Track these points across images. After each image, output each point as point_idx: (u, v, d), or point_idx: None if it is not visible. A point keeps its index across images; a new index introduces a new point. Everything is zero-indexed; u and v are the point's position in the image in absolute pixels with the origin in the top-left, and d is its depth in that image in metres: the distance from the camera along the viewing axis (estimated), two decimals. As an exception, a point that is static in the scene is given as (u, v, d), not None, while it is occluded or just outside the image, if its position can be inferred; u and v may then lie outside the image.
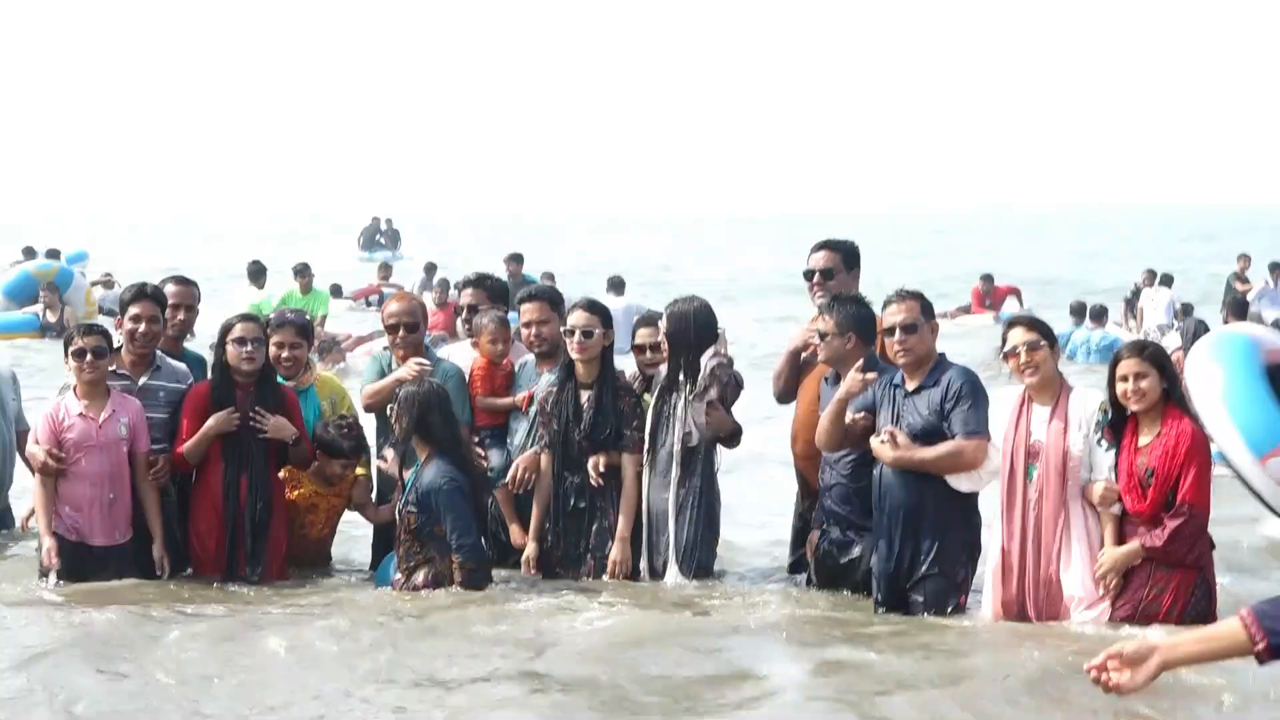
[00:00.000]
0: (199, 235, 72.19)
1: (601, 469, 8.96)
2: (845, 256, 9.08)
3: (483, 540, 8.83)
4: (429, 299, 31.86)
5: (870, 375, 8.25)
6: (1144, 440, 7.86)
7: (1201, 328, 19.87)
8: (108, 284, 30.75)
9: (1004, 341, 8.16)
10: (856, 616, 8.38)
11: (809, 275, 9.07)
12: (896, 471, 8.17)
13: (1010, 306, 31.42)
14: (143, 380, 9.23)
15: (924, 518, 8.19)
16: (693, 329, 8.92)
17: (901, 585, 8.28)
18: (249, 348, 9.04)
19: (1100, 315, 24.72)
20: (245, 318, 9.28)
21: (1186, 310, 27.48)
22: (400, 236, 55.37)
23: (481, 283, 10.21)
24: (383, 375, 9.48)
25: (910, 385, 8.30)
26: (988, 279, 32.40)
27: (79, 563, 8.94)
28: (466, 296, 10.05)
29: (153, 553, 9.02)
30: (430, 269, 32.84)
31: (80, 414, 8.98)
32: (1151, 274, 30.07)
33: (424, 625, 8.26)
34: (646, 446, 8.91)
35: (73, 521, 8.96)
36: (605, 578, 8.92)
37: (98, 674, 7.64)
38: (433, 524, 8.64)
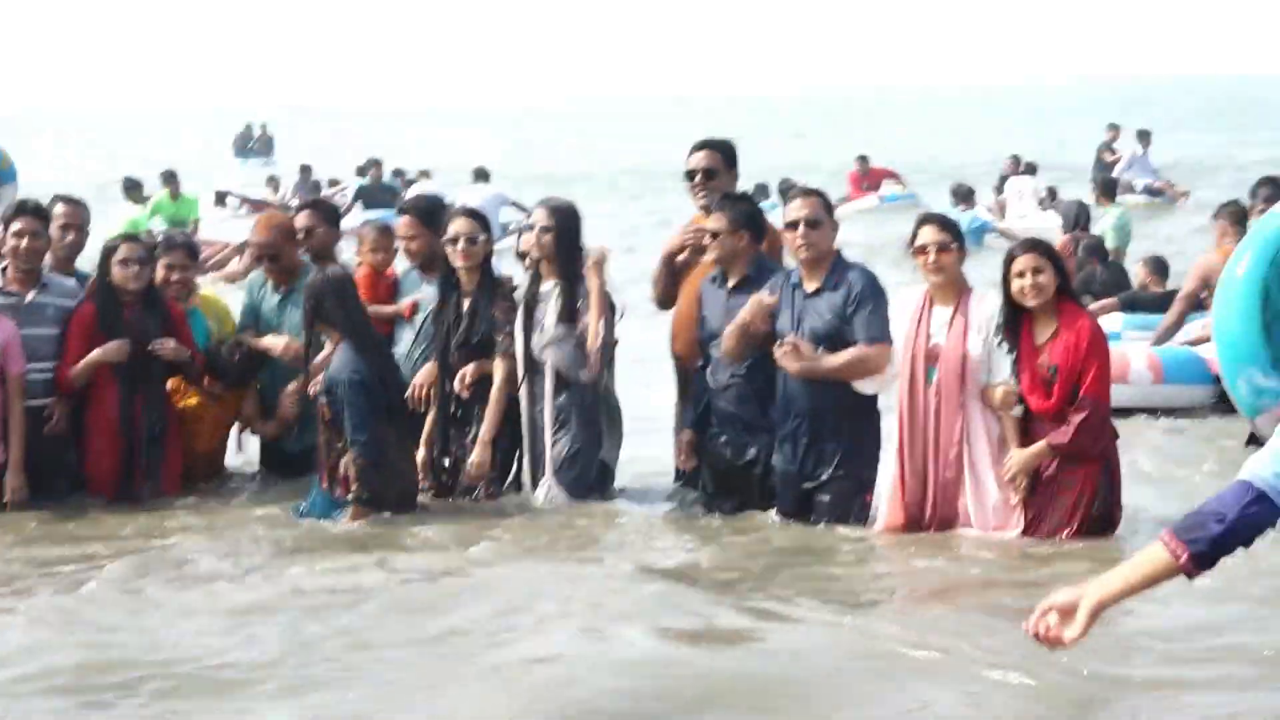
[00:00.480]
0: (48, 140, 70.03)
1: (469, 378, 8.83)
2: (725, 156, 9.01)
3: (385, 437, 8.62)
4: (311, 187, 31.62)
5: (772, 299, 8.18)
6: (1041, 339, 7.84)
7: (1081, 208, 19.93)
8: None
9: (913, 237, 8.09)
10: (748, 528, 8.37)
11: (690, 175, 8.97)
12: (798, 379, 8.12)
13: (888, 188, 31.52)
14: (30, 297, 9.04)
15: (828, 420, 8.15)
16: (574, 231, 8.78)
17: (804, 487, 8.24)
18: (135, 268, 8.96)
19: (968, 196, 24.72)
20: (128, 238, 9.24)
21: (1052, 194, 27.68)
22: (274, 143, 54.90)
23: (317, 205, 10.29)
24: (253, 302, 9.56)
25: (810, 286, 8.21)
26: (863, 160, 32.46)
27: None
28: (303, 219, 9.88)
29: (8, 479, 8.81)
30: (305, 171, 32.52)
31: None
32: (1015, 161, 30.22)
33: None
34: (522, 353, 8.75)
35: None
36: (464, 481, 8.84)
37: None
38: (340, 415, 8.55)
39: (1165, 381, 11.97)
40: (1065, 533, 7.84)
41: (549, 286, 8.74)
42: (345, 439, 8.50)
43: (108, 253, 9.04)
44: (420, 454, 8.94)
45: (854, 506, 8.20)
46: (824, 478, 8.19)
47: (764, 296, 8.21)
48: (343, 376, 8.47)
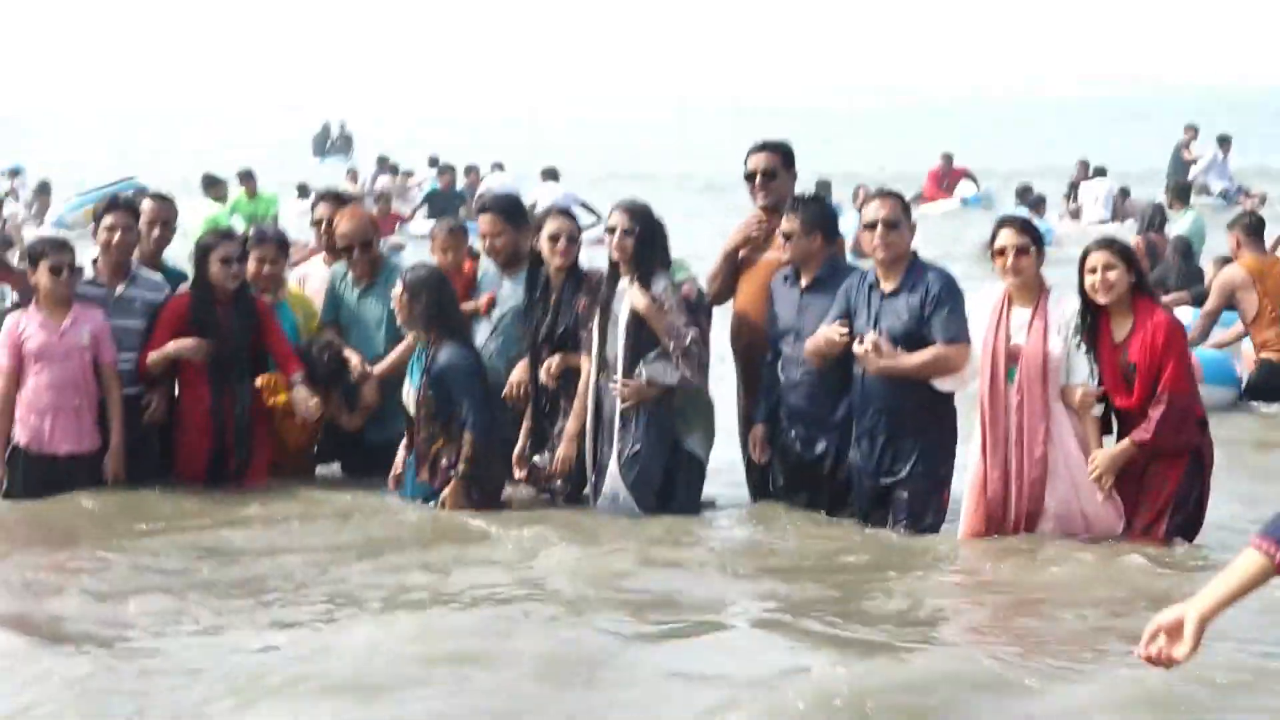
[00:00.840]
0: (144, 140, 70.98)
1: (554, 369, 8.88)
2: (784, 157, 9.12)
3: (495, 425, 8.82)
4: (387, 180, 31.85)
5: (842, 338, 8.21)
6: (1120, 336, 7.88)
7: (1156, 210, 19.87)
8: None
9: (992, 239, 8.13)
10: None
11: (750, 177, 9.06)
12: (877, 377, 8.16)
13: (965, 189, 31.41)
14: (119, 290, 9.24)
15: (906, 418, 8.19)
16: (652, 234, 8.75)
17: (881, 483, 8.29)
18: (234, 267, 9.12)
19: (1038, 204, 24.63)
20: (226, 235, 9.37)
21: (1125, 194, 27.52)
22: (353, 141, 54.79)
23: (338, 196, 10.42)
24: (336, 293, 9.65)
25: (887, 287, 8.26)
26: (948, 159, 32.25)
27: (43, 473, 9.02)
28: (321, 209, 10.05)
29: (106, 461, 9.07)
30: (382, 161, 32.73)
31: (40, 324, 9.00)
32: (1085, 165, 30.02)
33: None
34: (595, 353, 8.78)
35: (36, 430, 9.01)
36: (550, 474, 8.92)
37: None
38: (450, 406, 8.70)
39: (1202, 382, 12.18)
40: (1160, 529, 7.90)
41: (624, 287, 8.73)
42: (446, 431, 8.70)
43: (205, 250, 9.17)
44: (517, 449, 9.05)
45: (932, 504, 8.24)
46: (902, 474, 8.23)
47: (834, 333, 8.24)
48: (457, 364, 8.68)
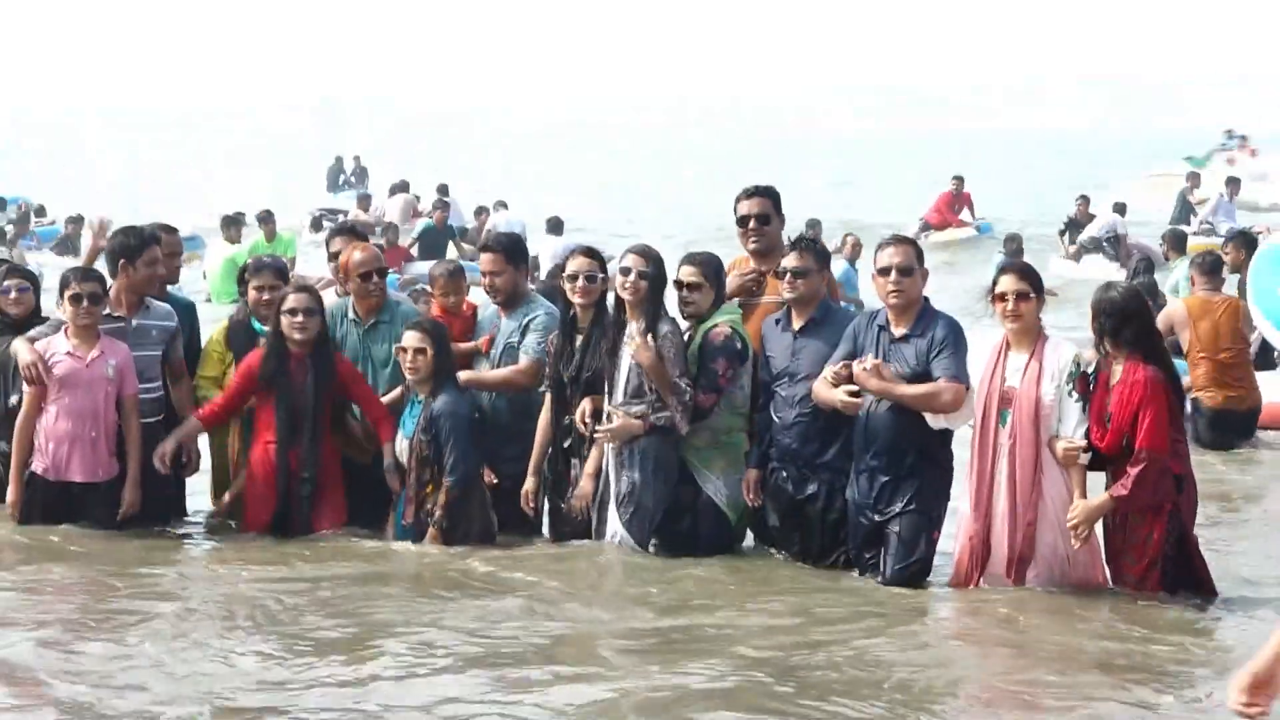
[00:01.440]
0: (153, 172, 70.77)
1: (587, 415, 8.94)
2: (774, 202, 9.25)
3: (478, 476, 8.96)
4: (396, 206, 31.94)
5: (872, 365, 8.27)
6: (1113, 382, 8.03)
7: (1141, 262, 19.94)
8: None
9: (993, 285, 8.27)
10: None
11: (743, 221, 9.18)
12: (881, 412, 8.28)
13: (967, 216, 31.39)
14: (136, 321, 9.40)
15: (906, 458, 8.31)
16: (662, 280, 8.91)
17: (875, 519, 8.38)
18: (300, 318, 9.13)
19: (1018, 253, 24.44)
20: (300, 288, 9.35)
21: (1115, 240, 27.26)
22: (368, 173, 54.80)
23: (352, 230, 10.51)
24: (334, 327, 9.58)
25: (898, 331, 8.40)
26: (959, 181, 32.07)
27: (56, 501, 9.17)
28: (337, 244, 10.10)
29: (125, 492, 9.19)
30: (394, 188, 32.75)
31: (69, 352, 9.16)
32: (1086, 201, 29.90)
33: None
34: (607, 389, 8.88)
35: (53, 458, 9.14)
36: (568, 511, 8.99)
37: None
38: (441, 450, 8.83)
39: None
40: (1154, 579, 8.04)
41: (632, 330, 8.81)
42: (436, 478, 8.84)
43: (279, 301, 9.22)
44: (529, 483, 9.15)
45: (922, 539, 8.34)
46: (895, 510, 8.33)
47: (877, 362, 8.30)
48: (452, 411, 8.81)
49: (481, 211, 31.90)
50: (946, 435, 8.36)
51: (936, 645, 7.68)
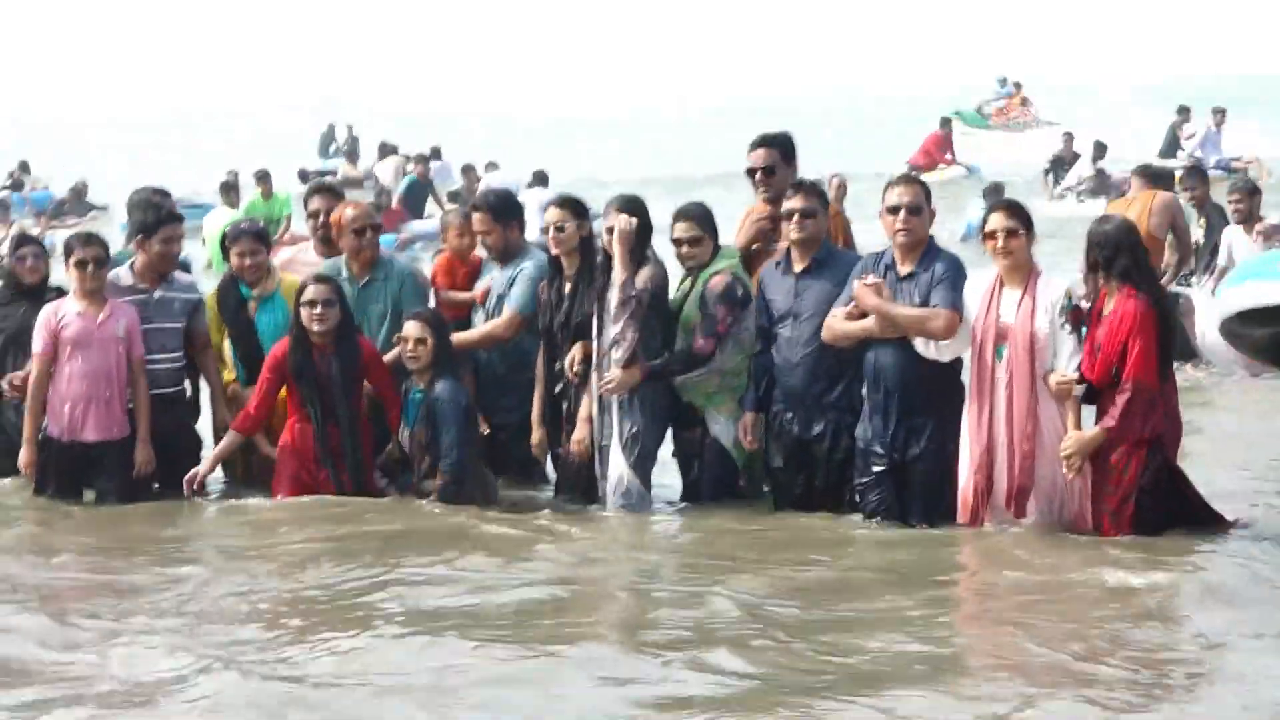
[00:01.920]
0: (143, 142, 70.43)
1: (575, 364, 9.08)
2: (783, 151, 9.32)
3: (469, 462, 9.08)
4: (388, 169, 31.93)
5: (872, 282, 8.41)
6: (1105, 312, 8.12)
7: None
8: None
9: (983, 223, 8.39)
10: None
11: (751, 172, 9.26)
12: (889, 351, 8.40)
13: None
14: (158, 293, 9.52)
15: (917, 394, 8.42)
16: (644, 226, 9.04)
17: (894, 460, 8.50)
18: (319, 309, 9.15)
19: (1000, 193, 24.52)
20: (319, 279, 9.28)
21: (1102, 176, 27.14)
22: (359, 143, 54.34)
23: (331, 189, 10.53)
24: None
25: (904, 269, 8.51)
26: (948, 122, 32.01)
27: (71, 463, 9.36)
28: (315, 202, 10.18)
29: (136, 453, 9.34)
30: (383, 148, 32.72)
31: (79, 313, 9.28)
32: (1070, 138, 29.84)
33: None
34: (595, 334, 9.01)
35: (68, 419, 9.27)
36: (566, 456, 9.16)
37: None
38: (440, 438, 9.00)
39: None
40: (1127, 512, 8.10)
41: (616, 277, 8.92)
42: (436, 463, 9.03)
43: (299, 291, 9.25)
44: (536, 433, 9.35)
45: (945, 487, 8.45)
46: (916, 452, 8.47)
47: (876, 281, 8.44)
48: (451, 398, 8.99)
49: (469, 170, 31.90)
50: (955, 370, 8.47)
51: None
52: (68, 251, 9.39)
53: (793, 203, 8.77)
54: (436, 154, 32.39)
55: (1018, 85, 44.39)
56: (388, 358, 9.39)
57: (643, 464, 9.00)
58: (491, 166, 32.04)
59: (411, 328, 9.08)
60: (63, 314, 9.29)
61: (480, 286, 9.66)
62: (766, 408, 8.87)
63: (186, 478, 9.26)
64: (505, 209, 9.72)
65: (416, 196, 27.69)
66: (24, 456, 9.35)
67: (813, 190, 8.85)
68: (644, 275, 8.87)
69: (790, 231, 8.77)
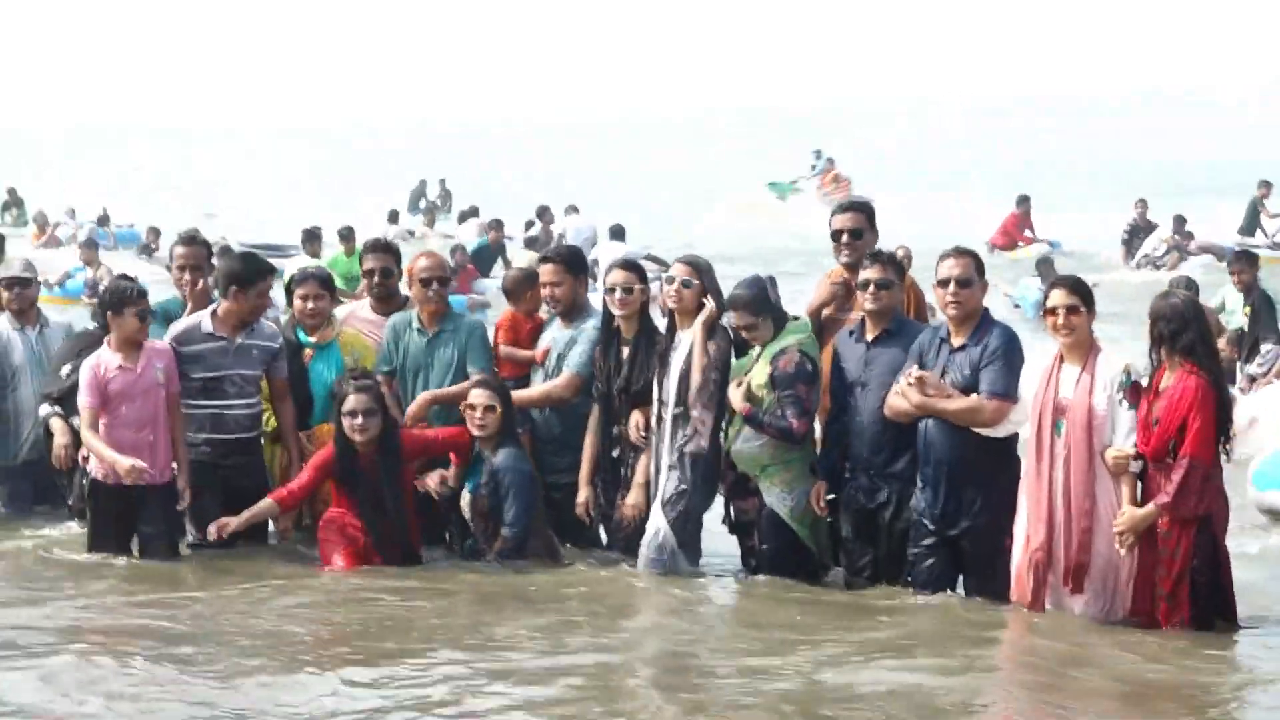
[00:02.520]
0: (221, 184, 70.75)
1: (640, 428, 9.15)
2: (868, 217, 9.41)
3: (531, 530, 9.19)
4: (471, 231, 32.11)
5: (916, 378, 8.45)
6: (1163, 386, 8.11)
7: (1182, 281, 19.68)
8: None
9: (1045, 298, 8.44)
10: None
11: (837, 236, 9.32)
12: (939, 424, 8.44)
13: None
14: (239, 340, 9.59)
15: (967, 467, 8.45)
16: (710, 287, 9.12)
17: (947, 534, 8.53)
18: (359, 419, 9.22)
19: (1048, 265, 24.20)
20: (359, 388, 9.30)
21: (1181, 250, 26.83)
22: (452, 196, 52.71)
23: (388, 247, 10.55)
24: (399, 341, 9.80)
25: (956, 341, 8.56)
26: (1025, 200, 31.96)
27: (116, 503, 9.42)
28: (371, 260, 10.29)
29: (177, 483, 9.43)
30: (464, 216, 32.93)
31: (120, 366, 9.39)
32: (1144, 205, 29.67)
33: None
34: (656, 398, 9.10)
35: (113, 466, 9.32)
36: (619, 519, 9.21)
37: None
38: (503, 504, 9.10)
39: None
40: (1183, 592, 8.08)
41: (683, 337, 9.05)
42: (496, 526, 9.14)
43: (339, 400, 9.32)
44: (582, 494, 9.38)
45: (998, 561, 8.45)
46: (964, 526, 8.49)
47: (922, 374, 8.48)
48: (512, 468, 9.11)
49: (545, 213, 31.91)
50: (1009, 444, 8.48)
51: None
52: (120, 302, 9.46)
53: (869, 273, 8.82)
54: (542, 214, 32.25)
55: (831, 161, 44.79)
56: (447, 391, 9.48)
57: (683, 523, 9.02)
58: (571, 210, 32.09)
59: (480, 396, 9.16)
60: (105, 367, 9.39)
61: (541, 345, 9.72)
62: (835, 477, 8.92)
63: (216, 523, 9.27)
64: (578, 263, 9.82)
65: (485, 259, 27.91)
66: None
67: (890, 261, 8.90)
68: (714, 350, 8.95)
69: (865, 301, 8.84)
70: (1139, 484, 8.15)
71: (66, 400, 9.91)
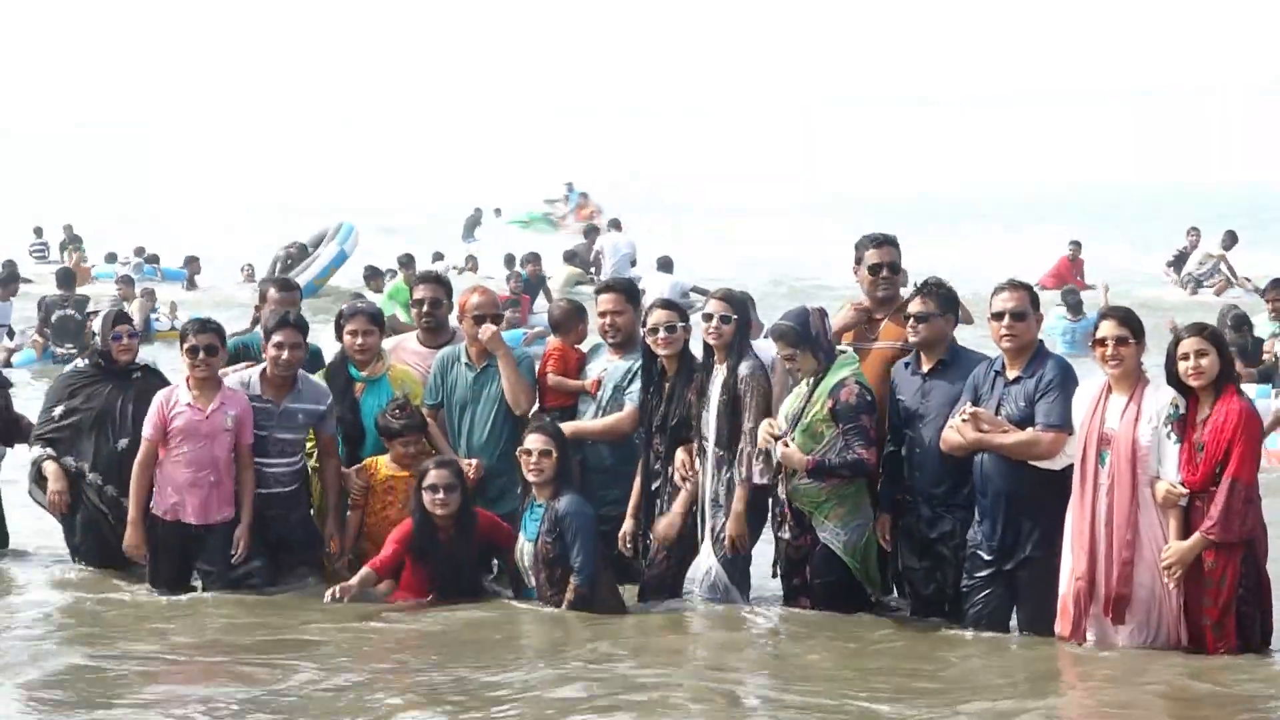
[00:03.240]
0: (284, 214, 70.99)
1: (686, 467, 9.14)
2: (898, 249, 9.44)
3: (600, 573, 9.12)
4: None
5: (970, 414, 8.48)
6: (1201, 417, 8.13)
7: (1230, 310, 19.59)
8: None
9: (1095, 329, 8.45)
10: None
11: (875, 270, 9.30)
12: (995, 457, 8.46)
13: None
14: (283, 404, 9.55)
15: (1024, 501, 8.47)
16: (746, 321, 9.16)
17: (1003, 567, 8.56)
18: (441, 495, 9.20)
19: (1077, 308, 24.35)
20: (440, 463, 9.34)
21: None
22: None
23: (438, 279, 10.61)
24: (446, 376, 9.86)
25: (1011, 374, 8.59)
26: (1076, 245, 31.96)
27: (175, 540, 9.50)
28: (421, 291, 10.35)
29: (236, 533, 9.46)
30: (509, 261, 33.05)
31: (189, 404, 9.42)
32: (1196, 233, 29.78)
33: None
34: (697, 430, 9.12)
35: (172, 504, 9.41)
36: (653, 541, 9.23)
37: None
38: (568, 550, 9.03)
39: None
40: (1230, 622, 8.10)
41: (720, 371, 9.06)
42: (564, 573, 9.04)
43: (419, 477, 9.31)
44: (627, 524, 9.39)
45: (1053, 585, 8.45)
46: (1021, 557, 8.51)
47: (976, 410, 8.50)
48: (576, 512, 9.02)
49: (591, 233, 31.84)
50: (1065, 475, 8.44)
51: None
52: (182, 337, 9.54)
53: (911, 306, 8.87)
54: (573, 254, 32.34)
55: (584, 195, 45.08)
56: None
57: (733, 560, 9.04)
58: (613, 225, 32.01)
59: (536, 441, 9.08)
60: (174, 402, 9.42)
61: (592, 375, 9.75)
62: (896, 509, 8.93)
63: (340, 588, 9.14)
64: (635, 293, 9.90)
65: (529, 292, 28.07)
66: (130, 538, 9.47)
67: (932, 293, 8.89)
68: (746, 370, 8.97)
69: (909, 335, 8.88)
70: (1185, 517, 8.13)
71: (59, 442, 9.90)
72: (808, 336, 8.83)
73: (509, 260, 31.81)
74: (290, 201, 55.84)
